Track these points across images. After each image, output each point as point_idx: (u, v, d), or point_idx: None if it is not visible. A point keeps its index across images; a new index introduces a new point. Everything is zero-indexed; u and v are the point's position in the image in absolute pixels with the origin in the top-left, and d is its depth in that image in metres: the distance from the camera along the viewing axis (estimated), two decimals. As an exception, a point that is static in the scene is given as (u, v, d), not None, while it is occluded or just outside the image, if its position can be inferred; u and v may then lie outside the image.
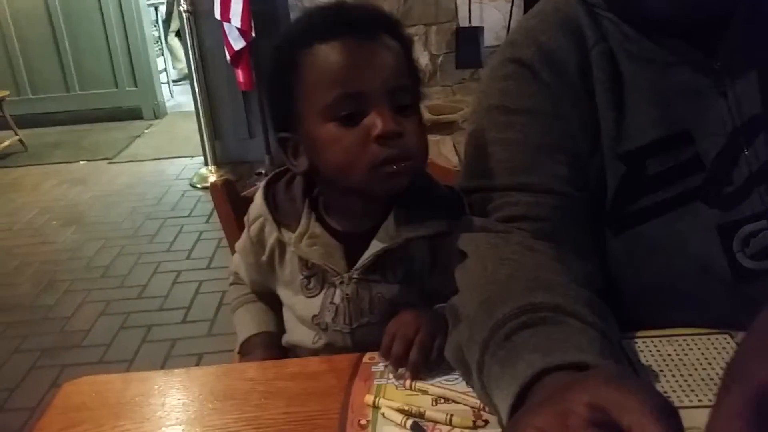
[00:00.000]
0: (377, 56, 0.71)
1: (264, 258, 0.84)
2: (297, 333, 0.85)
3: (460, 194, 0.79)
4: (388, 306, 0.78)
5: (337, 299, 0.79)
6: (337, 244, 0.79)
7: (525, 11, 3.20)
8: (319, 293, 0.80)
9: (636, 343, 0.64)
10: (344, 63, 0.69)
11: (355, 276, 0.78)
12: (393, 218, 0.77)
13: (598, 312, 0.55)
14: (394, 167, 0.70)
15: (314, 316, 0.81)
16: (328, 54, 0.70)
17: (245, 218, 0.87)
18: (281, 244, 0.82)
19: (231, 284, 0.97)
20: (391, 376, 0.65)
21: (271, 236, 0.82)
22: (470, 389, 0.60)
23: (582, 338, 0.49)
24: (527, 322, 0.52)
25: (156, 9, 6.24)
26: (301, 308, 0.82)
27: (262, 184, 0.85)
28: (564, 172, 0.69)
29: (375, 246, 0.77)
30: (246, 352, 0.91)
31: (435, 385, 0.62)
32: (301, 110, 0.72)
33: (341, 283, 0.79)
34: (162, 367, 2.11)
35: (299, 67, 0.71)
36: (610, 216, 0.69)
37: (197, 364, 2.08)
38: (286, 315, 0.89)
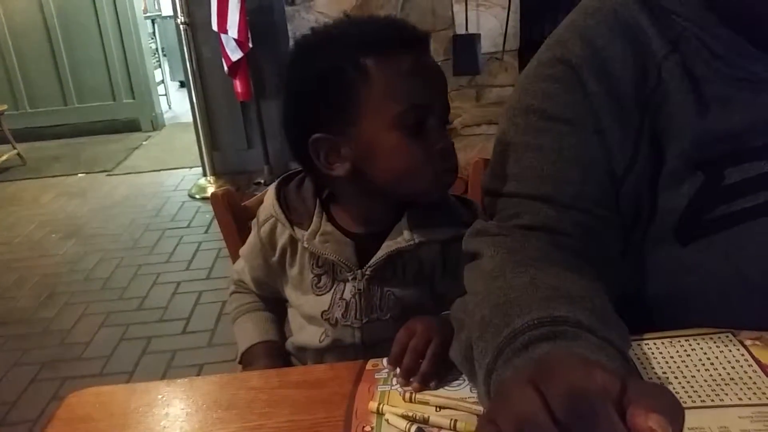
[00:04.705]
0: (438, 74, 0.76)
1: (274, 258, 0.86)
2: (303, 334, 0.86)
3: (472, 203, 0.81)
4: (398, 304, 0.80)
5: (347, 295, 0.81)
6: (349, 241, 0.81)
7: (522, 18, 3.22)
8: (329, 291, 0.82)
9: (640, 346, 0.64)
10: (417, 76, 0.72)
11: (368, 273, 0.80)
12: (406, 221, 0.80)
13: (613, 326, 0.54)
14: (450, 178, 0.76)
15: (323, 311, 0.82)
16: (402, 65, 0.72)
17: (254, 221, 0.89)
18: (293, 243, 0.83)
19: (232, 293, 0.97)
20: (394, 381, 0.65)
21: (283, 236, 0.84)
22: (470, 396, 0.60)
23: (600, 354, 0.49)
24: (547, 334, 0.51)
25: (153, 21, 6.27)
26: (310, 306, 0.84)
27: (271, 186, 0.87)
28: (593, 190, 0.66)
29: (388, 246, 0.79)
30: (247, 361, 0.91)
31: (436, 396, 0.62)
32: (361, 115, 0.73)
33: (354, 278, 0.80)
34: (162, 378, 2.10)
35: (368, 72, 0.71)
36: (679, 226, 0.66)
37: (198, 375, 2.08)
38: (292, 316, 0.90)
